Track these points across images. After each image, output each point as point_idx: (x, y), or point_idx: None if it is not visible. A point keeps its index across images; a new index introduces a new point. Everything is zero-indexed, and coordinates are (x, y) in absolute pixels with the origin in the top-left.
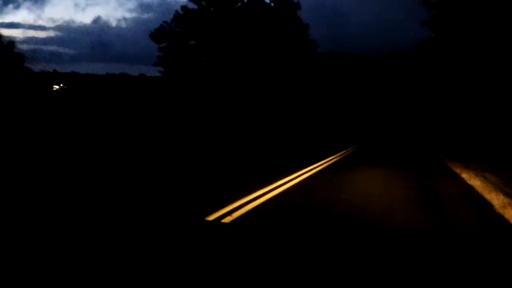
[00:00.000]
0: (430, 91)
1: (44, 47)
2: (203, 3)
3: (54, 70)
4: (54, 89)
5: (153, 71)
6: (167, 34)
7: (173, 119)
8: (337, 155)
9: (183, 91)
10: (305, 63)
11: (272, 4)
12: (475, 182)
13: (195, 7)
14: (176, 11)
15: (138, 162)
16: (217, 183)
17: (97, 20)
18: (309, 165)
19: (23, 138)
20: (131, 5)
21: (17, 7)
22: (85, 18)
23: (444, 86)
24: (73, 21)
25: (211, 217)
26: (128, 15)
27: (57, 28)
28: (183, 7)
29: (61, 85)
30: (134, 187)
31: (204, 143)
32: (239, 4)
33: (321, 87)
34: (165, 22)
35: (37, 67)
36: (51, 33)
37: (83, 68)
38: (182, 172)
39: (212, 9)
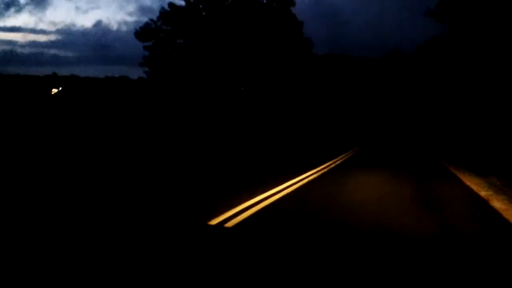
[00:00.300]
0: (432, 91)
1: (45, 51)
2: None
3: (54, 73)
4: (53, 92)
5: None
6: (153, 32)
7: (162, 122)
8: (338, 158)
9: (171, 92)
10: (300, 62)
11: (265, 1)
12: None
13: (183, 4)
14: (162, 8)
15: (133, 164)
16: (216, 186)
17: (98, 23)
18: (309, 170)
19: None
20: (131, 8)
21: (19, 10)
22: (86, 21)
23: (448, 85)
24: (74, 25)
25: (214, 221)
26: (128, 18)
27: (58, 31)
28: (170, 4)
29: (60, 88)
30: (135, 190)
31: (195, 145)
32: (229, 0)
33: (320, 89)
34: (151, 19)
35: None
36: (52, 37)
37: (83, 71)
38: (179, 174)
39: (201, 6)
